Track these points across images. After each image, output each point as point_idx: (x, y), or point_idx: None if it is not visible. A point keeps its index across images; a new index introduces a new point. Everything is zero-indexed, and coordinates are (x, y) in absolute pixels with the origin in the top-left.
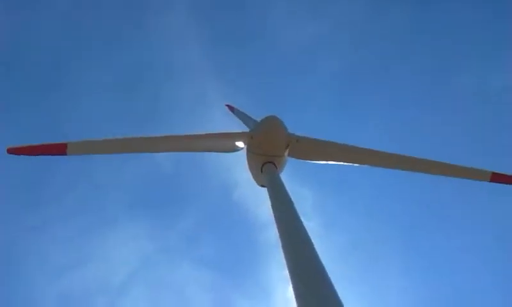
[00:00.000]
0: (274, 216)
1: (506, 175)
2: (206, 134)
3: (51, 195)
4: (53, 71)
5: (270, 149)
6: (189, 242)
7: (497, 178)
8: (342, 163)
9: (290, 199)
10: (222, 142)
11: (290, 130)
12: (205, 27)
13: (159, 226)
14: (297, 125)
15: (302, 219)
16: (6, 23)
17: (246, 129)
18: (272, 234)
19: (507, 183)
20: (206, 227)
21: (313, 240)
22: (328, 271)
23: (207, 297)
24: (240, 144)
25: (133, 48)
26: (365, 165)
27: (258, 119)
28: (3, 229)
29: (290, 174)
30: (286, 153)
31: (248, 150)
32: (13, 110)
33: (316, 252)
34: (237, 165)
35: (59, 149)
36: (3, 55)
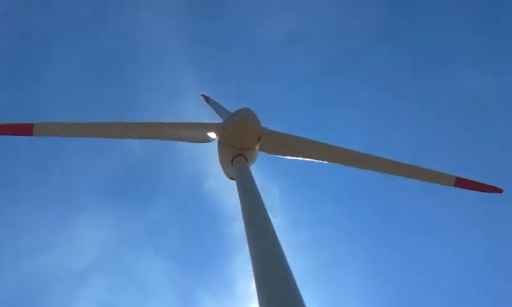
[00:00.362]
0: (242, 210)
1: (470, 181)
2: (178, 123)
3: (17, 177)
4: (26, 54)
5: (241, 141)
6: (155, 232)
7: (461, 183)
8: (312, 160)
9: (259, 193)
10: (194, 132)
11: (265, 124)
12: (183, 18)
13: (126, 214)
14: (273, 120)
15: (269, 214)
16: None
17: (220, 120)
18: (239, 228)
19: (470, 189)
20: (173, 217)
21: (279, 236)
22: (291, 267)
23: (169, 289)
24: (212, 135)
25: (108, 34)
26: (335, 164)
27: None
28: None
29: (261, 169)
30: (257, 147)
31: (220, 142)
32: None
33: (281, 247)
34: (209, 156)
35: (25, 130)
36: None
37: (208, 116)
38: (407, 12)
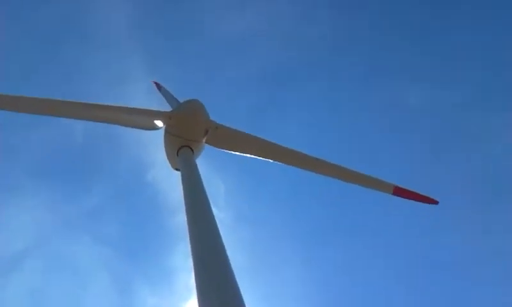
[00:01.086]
0: (185, 202)
1: (408, 190)
2: (125, 108)
3: None
4: None
5: (188, 132)
6: (92, 218)
7: (399, 192)
8: (257, 157)
9: (203, 186)
10: (140, 118)
11: (214, 118)
12: (136, 6)
13: (63, 197)
14: (221, 115)
15: (213, 209)
16: None
17: (170, 109)
18: (181, 220)
19: (408, 199)
20: (113, 204)
21: (221, 232)
22: (232, 263)
23: (105, 276)
24: (159, 123)
25: (60, 7)
26: (279, 163)
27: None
28: None
29: (207, 162)
30: (204, 140)
31: (166, 131)
32: None
33: (222, 242)
34: (155, 144)
35: None
36: None
37: (157, 104)
38: (355, 23)
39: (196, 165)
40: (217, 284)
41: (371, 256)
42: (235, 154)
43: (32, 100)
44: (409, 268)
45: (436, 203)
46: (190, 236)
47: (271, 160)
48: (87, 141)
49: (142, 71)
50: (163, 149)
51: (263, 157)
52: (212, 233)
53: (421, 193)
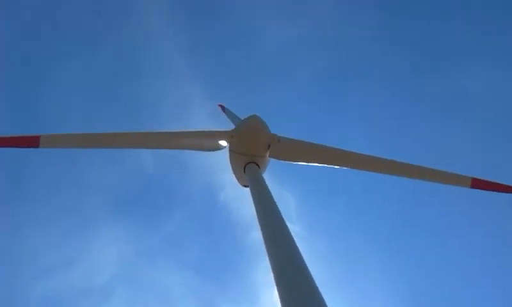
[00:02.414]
0: (258, 217)
1: (486, 181)
2: (187, 132)
3: (33, 195)
4: (32, 67)
5: (251, 148)
6: (172, 245)
7: (478, 184)
8: (322, 165)
9: (273, 199)
10: (203, 141)
11: (275, 130)
12: (187, 28)
13: (143, 227)
14: (283, 126)
15: (286, 222)
16: None
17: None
18: (257, 236)
19: (487, 190)
20: (190, 229)
21: (298, 244)
22: (312, 273)
23: (191, 301)
24: (222, 143)
25: (115, 46)
26: (346, 168)
27: None
28: None
29: (274, 177)
30: (267, 154)
31: (230, 150)
32: None
33: (300, 254)
34: (222, 166)
35: (31, 142)
36: None
37: (220, 126)
38: (407, 14)
39: (263, 180)
40: (301, 297)
41: (452, 256)
42: (301, 165)
43: (99, 136)
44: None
45: None
46: (268, 251)
47: (337, 167)
48: (158, 170)
49: (201, 95)
50: (229, 168)
51: (328, 164)
52: (289, 245)
53: (501, 183)
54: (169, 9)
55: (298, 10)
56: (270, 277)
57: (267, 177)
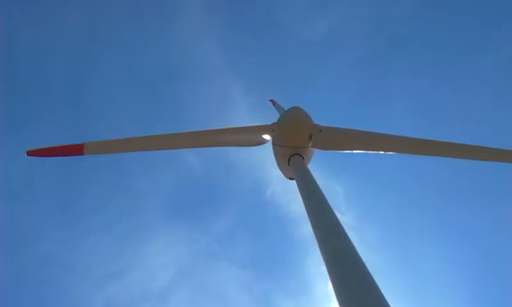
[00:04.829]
0: (306, 210)
1: None
2: (228, 128)
3: (89, 206)
4: (75, 76)
5: (293, 140)
6: (225, 244)
7: None
8: (367, 151)
9: (320, 190)
10: (245, 136)
11: (317, 120)
12: (221, 24)
13: (195, 230)
14: (324, 115)
15: (336, 213)
16: (29, 38)
17: None
18: (307, 229)
19: None
20: (241, 227)
21: (348, 234)
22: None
23: (247, 297)
24: (266, 137)
25: (152, 51)
26: (392, 153)
27: None
28: (43, 241)
29: (321, 167)
30: (310, 144)
31: (273, 143)
32: (41, 119)
33: (352, 244)
34: (267, 162)
35: (75, 150)
36: (25, 64)
37: (263, 120)
38: None
39: (309, 171)
40: (356, 288)
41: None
42: (346, 153)
43: (142, 139)
44: None
45: None
46: (319, 243)
47: (383, 152)
48: (205, 172)
49: (241, 92)
50: (274, 162)
51: (373, 150)
52: (340, 235)
53: None
54: (205, 6)
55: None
56: (323, 269)
57: (313, 168)
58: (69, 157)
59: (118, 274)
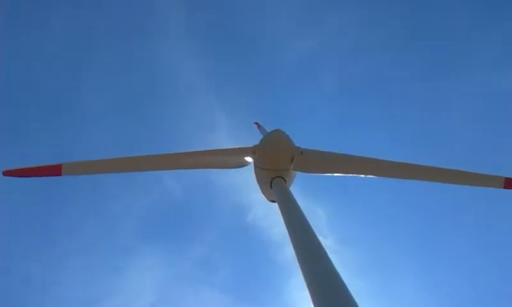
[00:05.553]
0: (288, 231)
1: None
2: (208, 150)
3: (63, 230)
4: (55, 95)
5: (274, 163)
6: (206, 268)
7: (511, 183)
8: (348, 174)
9: (302, 212)
10: (226, 158)
11: (299, 143)
12: (204, 46)
13: (175, 253)
14: (305, 138)
15: (318, 236)
16: (6, 51)
17: None
18: (289, 252)
19: None
20: (222, 250)
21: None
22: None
23: None
24: (248, 159)
25: (134, 72)
26: (373, 176)
27: None
28: (17, 266)
29: (303, 190)
30: (291, 167)
31: (255, 165)
32: (18, 136)
33: (333, 265)
34: (249, 185)
35: (54, 170)
36: (3, 82)
37: (244, 142)
38: (425, 18)
39: (290, 194)
40: None
41: (486, 262)
42: (329, 177)
43: (122, 160)
44: None
45: None
46: (301, 265)
47: (363, 175)
48: (185, 195)
49: (223, 116)
50: (255, 184)
51: (354, 174)
52: (322, 258)
53: None
54: (187, 30)
55: (316, 21)
56: (305, 293)
57: (296, 191)
58: (47, 178)
59: (96, 300)
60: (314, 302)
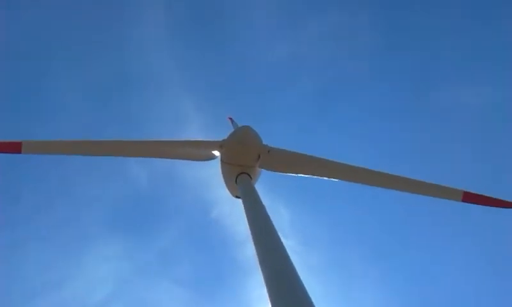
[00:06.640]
0: (250, 228)
1: (478, 195)
2: (177, 141)
3: (25, 213)
4: (26, 79)
5: (240, 159)
6: (167, 261)
7: (469, 197)
8: (313, 176)
9: (265, 210)
10: (192, 150)
11: (270, 143)
12: (181, 39)
13: (136, 244)
14: (278, 139)
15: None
16: None
17: None
18: (251, 251)
19: (479, 204)
20: (184, 245)
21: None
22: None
23: None
24: (215, 153)
25: (105, 58)
26: (336, 180)
27: None
28: None
29: (268, 189)
30: (257, 164)
31: (222, 160)
32: None
33: (292, 264)
34: (215, 181)
35: (13, 147)
36: None
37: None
38: (405, 30)
39: (255, 191)
40: None
41: (445, 267)
42: (293, 176)
43: (87, 143)
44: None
45: (511, 206)
46: (260, 263)
47: (328, 178)
48: (150, 185)
49: (194, 110)
50: (221, 179)
51: (319, 176)
52: (281, 257)
53: (493, 197)
54: (165, 23)
55: (296, 24)
56: (264, 292)
57: (261, 189)
58: (6, 155)
59: (53, 287)
60: (270, 298)
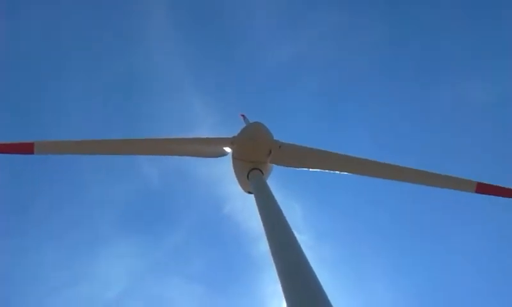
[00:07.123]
0: (263, 223)
1: (492, 186)
2: (188, 138)
3: (39, 214)
4: (36, 80)
5: (251, 155)
6: (180, 258)
7: (483, 188)
8: (324, 170)
9: (278, 205)
10: (204, 147)
11: (279, 138)
12: (189, 40)
13: (149, 242)
14: (288, 134)
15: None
16: None
17: None
18: (264, 247)
19: (493, 194)
20: (197, 242)
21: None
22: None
23: None
24: (226, 149)
25: (116, 60)
26: (349, 174)
27: None
28: None
29: (281, 184)
30: (268, 160)
31: (233, 156)
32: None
33: (306, 258)
34: (227, 177)
35: (26, 148)
36: None
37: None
38: (405, 27)
39: (267, 186)
40: (308, 303)
41: (458, 258)
42: (305, 171)
43: (98, 143)
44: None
45: None
46: (273, 257)
47: (340, 172)
48: (162, 183)
49: (205, 109)
50: (233, 175)
51: (330, 170)
52: (295, 251)
53: (507, 187)
54: (173, 24)
55: (299, 23)
56: (278, 287)
57: (273, 184)
58: (19, 156)
59: (68, 286)
60: (285, 292)
